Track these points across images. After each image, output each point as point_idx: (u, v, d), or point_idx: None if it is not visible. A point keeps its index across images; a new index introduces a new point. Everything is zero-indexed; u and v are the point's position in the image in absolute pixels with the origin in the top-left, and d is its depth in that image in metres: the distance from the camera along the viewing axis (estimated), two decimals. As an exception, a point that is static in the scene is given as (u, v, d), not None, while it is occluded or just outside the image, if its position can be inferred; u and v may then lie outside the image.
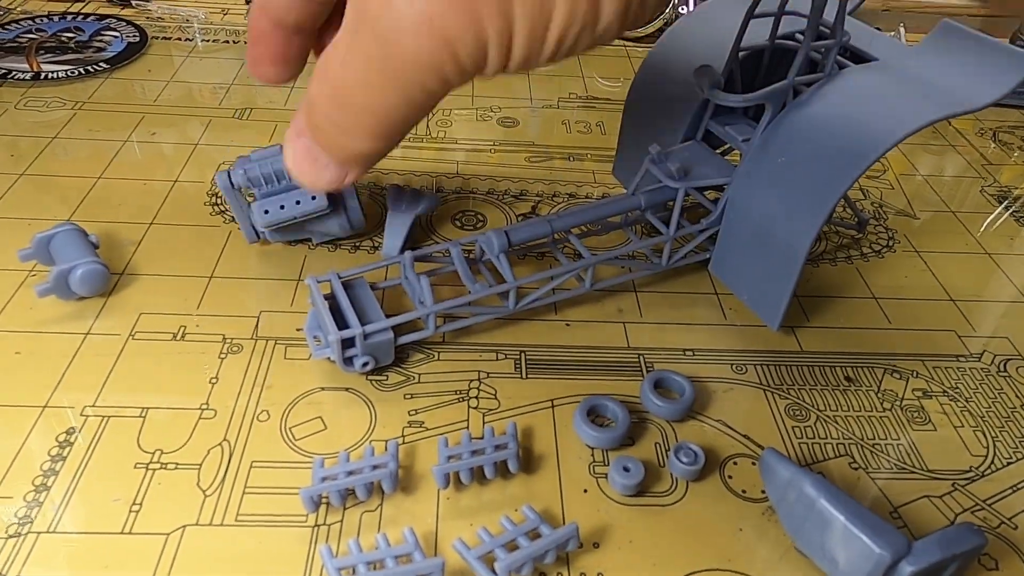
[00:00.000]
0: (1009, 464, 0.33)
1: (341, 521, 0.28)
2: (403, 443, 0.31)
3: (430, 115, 0.54)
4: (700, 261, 0.39)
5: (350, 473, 0.28)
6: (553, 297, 0.37)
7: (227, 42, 0.62)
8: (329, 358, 0.33)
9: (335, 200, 0.39)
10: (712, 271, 0.39)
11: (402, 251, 0.40)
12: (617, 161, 0.45)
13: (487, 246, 0.36)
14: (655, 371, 0.34)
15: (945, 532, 0.26)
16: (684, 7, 0.70)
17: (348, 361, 0.32)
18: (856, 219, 0.45)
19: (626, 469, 0.30)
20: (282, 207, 0.37)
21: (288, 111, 0.53)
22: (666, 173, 0.37)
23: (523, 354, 0.36)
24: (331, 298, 0.34)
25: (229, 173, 0.38)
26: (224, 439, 0.31)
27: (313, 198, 0.38)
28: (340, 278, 0.35)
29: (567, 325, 0.38)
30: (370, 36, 0.19)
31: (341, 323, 0.32)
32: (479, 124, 0.54)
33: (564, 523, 0.29)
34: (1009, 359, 0.38)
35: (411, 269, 0.35)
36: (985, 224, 0.48)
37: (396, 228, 0.40)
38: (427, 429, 0.32)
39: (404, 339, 0.34)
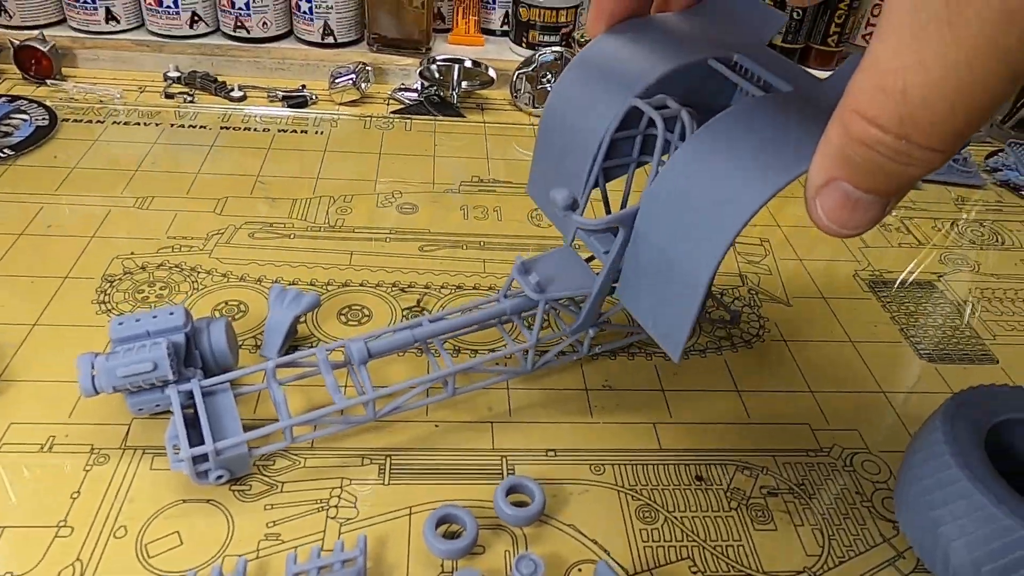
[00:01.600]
0: (841, 563, 0.35)
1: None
2: (257, 558, 0.32)
3: (330, 202, 0.56)
4: (572, 360, 0.41)
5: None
6: (420, 402, 0.39)
7: (139, 124, 0.63)
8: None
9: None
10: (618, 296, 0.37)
11: (282, 351, 0.42)
12: (529, 181, 0.42)
13: (350, 355, 0.37)
14: (509, 477, 0.36)
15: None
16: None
17: (202, 475, 0.33)
18: (728, 314, 0.47)
19: (466, 583, 0.31)
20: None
21: (188, 199, 0.54)
22: (528, 285, 0.38)
23: (388, 459, 0.37)
24: (192, 406, 0.35)
25: (93, 380, 0.35)
26: (77, 559, 0.32)
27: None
28: (201, 386, 0.36)
29: (436, 427, 0.39)
30: (975, 22, 0.18)
31: (199, 434, 0.33)
32: (378, 211, 0.55)
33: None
34: (856, 453, 0.40)
35: (273, 379, 0.36)
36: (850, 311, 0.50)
37: (275, 329, 0.42)
38: (283, 542, 0.33)
39: (261, 451, 0.35)
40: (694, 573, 0.34)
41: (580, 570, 0.33)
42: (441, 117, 0.69)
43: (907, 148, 0.21)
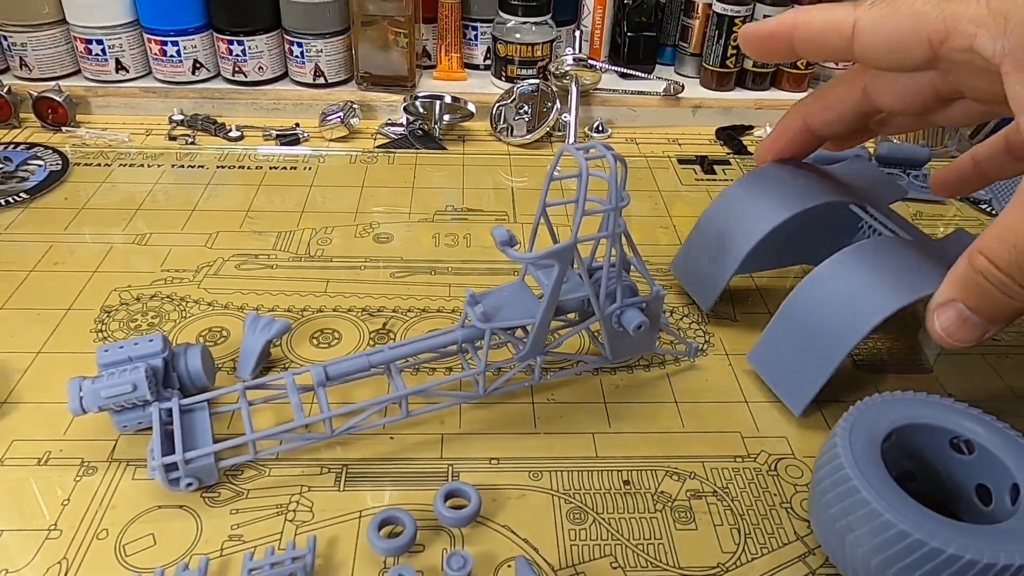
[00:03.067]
0: (753, 559, 0.38)
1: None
2: (220, 556, 0.37)
3: (312, 234, 0.60)
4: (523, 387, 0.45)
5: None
6: (377, 421, 0.43)
7: (143, 165, 0.69)
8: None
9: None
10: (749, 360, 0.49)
11: (255, 372, 0.46)
12: (675, 260, 0.56)
13: (313, 378, 0.41)
14: (449, 483, 0.40)
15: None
16: (567, 115, 0.77)
17: (174, 482, 0.38)
18: (687, 347, 0.50)
19: (400, 577, 0.35)
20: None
21: (183, 234, 0.59)
22: (475, 315, 0.42)
23: (345, 468, 0.41)
24: (171, 422, 0.40)
25: (81, 401, 0.39)
26: (64, 557, 0.36)
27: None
28: (181, 405, 0.40)
29: (391, 439, 0.43)
30: None
31: (172, 446, 0.38)
32: (356, 240, 0.60)
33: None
34: (782, 458, 0.43)
35: (243, 398, 0.41)
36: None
37: (249, 352, 0.46)
38: (244, 542, 0.37)
39: (226, 462, 0.39)
40: (614, 568, 0.37)
41: (509, 566, 0.37)
42: (424, 150, 0.74)
43: (1012, 284, 0.31)
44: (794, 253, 0.55)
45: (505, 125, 0.77)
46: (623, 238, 0.43)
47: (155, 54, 0.76)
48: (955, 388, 0.49)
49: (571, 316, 0.46)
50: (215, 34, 0.77)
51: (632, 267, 0.46)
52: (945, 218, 0.67)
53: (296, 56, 0.78)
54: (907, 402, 0.39)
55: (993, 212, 0.68)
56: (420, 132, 0.76)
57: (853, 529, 0.34)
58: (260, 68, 0.78)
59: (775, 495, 0.41)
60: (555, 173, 0.42)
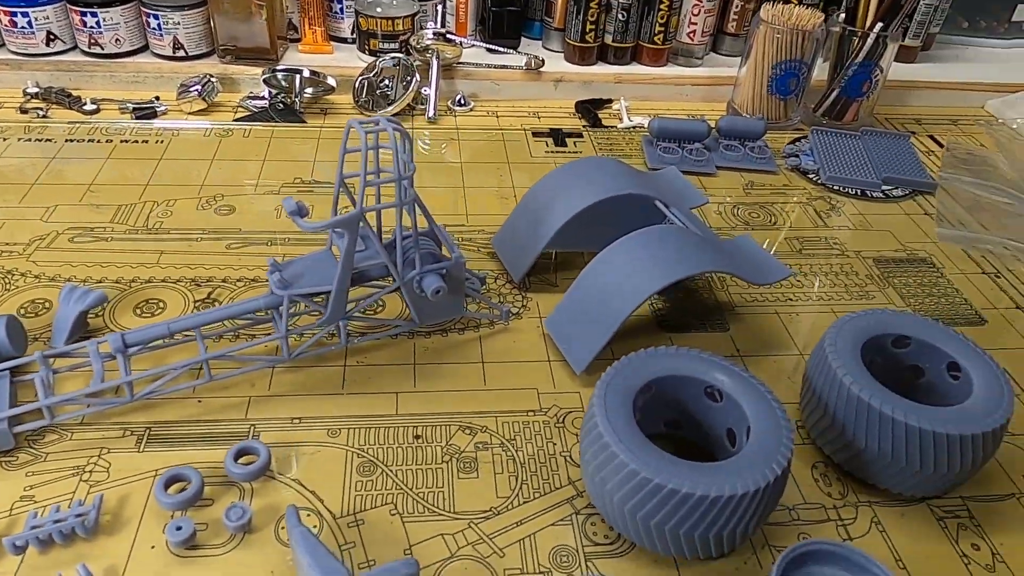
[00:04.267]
0: (525, 502, 0.41)
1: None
2: (9, 516, 0.38)
3: (153, 207, 0.61)
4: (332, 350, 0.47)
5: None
6: (181, 385, 0.45)
7: (-11, 139, 0.68)
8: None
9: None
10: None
11: (69, 342, 0.47)
12: (498, 233, 0.60)
13: (110, 345, 0.43)
14: (241, 442, 0.42)
15: (386, 565, 0.34)
16: (426, 88, 0.78)
17: (-36, 448, 0.39)
18: (499, 311, 0.53)
19: (178, 528, 0.37)
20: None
21: (20, 207, 0.59)
22: (273, 282, 0.44)
23: (148, 431, 0.43)
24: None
25: None
26: None
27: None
28: (-21, 375, 0.41)
29: (199, 402, 0.45)
30: None
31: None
32: (197, 213, 0.61)
33: (115, 577, 0.36)
34: (570, 412, 0.47)
35: (43, 365, 0.42)
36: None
37: (63, 323, 0.47)
38: (36, 503, 0.39)
39: (23, 427, 0.41)
40: (392, 515, 0.40)
41: (292, 516, 0.39)
42: (283, 123, 0.75)
43: None
44: (609, 237, 0.58)
45: (367, 98, 0.78)
46: (417, 207, 0.45)
47: (6, 25, 0.75)
48: (743, 343, 0.53)
49: (385, 283, 0.48)
50: (69, 5, 0.76)
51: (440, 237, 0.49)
52: (776, 187, 0.71)
53: (154, 28, 0.77)
54: (668, 356, 0.42)
55: (820, 182, 0.72)
56: (281, 106, 0.77)
57: (601, 469, 0.38)
58: (117, 40, 0.77)
59: (557, 445, 0.45)
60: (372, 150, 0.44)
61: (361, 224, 0.44)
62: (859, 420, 0.41)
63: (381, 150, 0.43)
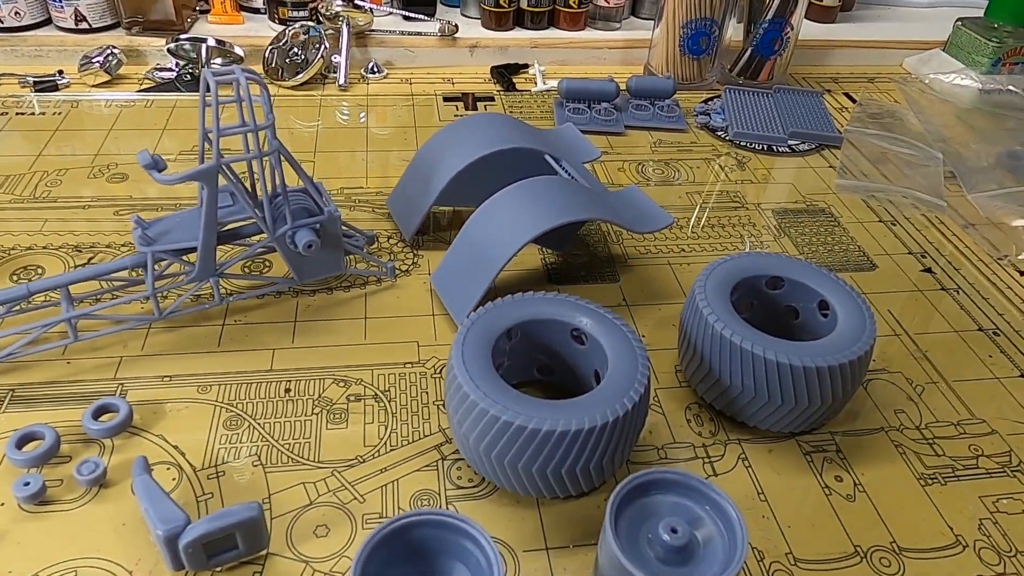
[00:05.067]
0: (392, 450, 0.41)
1: None
2: None
3: (43, 176, 0.60)
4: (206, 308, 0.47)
5: None
6: (44, 347, 0.44)
7: None
8: None
9: None
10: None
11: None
12: (392, 194, 0.59)
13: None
14: (100, 399, 0.41)
15: (225, 508, 0.34)
16: (336, 56, 0.78)
17: None
18: (384, 268, 0.52)
19: (26, 484, 0.36)
20: None
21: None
22: (136, 238, 0.44)
23: (11, 392, 0.43)
24: None
25: None
26: None
27: None
28: None
29: (68, 363, 0.45)
30: None
31: None
32: (88, 182, 0.60)
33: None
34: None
35: None
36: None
37: (-72, 289, 0.46)
38: None
39: None
40: (255, 466, 0.40)
41: (154, 469, 0.39)
42: (187, 94, 0.74)
43: None
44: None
45: (278, 66, 0.77)
46: (285, 160, 0.45)
47: (-101, -1, 0.73)
48: (632, 293, 0.53)
49: (258, 239, 0.48)
50: (-36, -22, 0.74)
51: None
52: (683, 144, 0.71)
53: (55, 1, 0.76)
54: (533, 302, 0.42)
55: (728, 139, 0.72)
56: (188, 77, 0.76)
57: (457, 411, 0.37)
58: (17, 13, 0.76)
59: (431, 395, 0.44)
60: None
61: (232, 180, 0.44)
62: (723, 358, 0.42)
63: (255, 103, 0.43)
